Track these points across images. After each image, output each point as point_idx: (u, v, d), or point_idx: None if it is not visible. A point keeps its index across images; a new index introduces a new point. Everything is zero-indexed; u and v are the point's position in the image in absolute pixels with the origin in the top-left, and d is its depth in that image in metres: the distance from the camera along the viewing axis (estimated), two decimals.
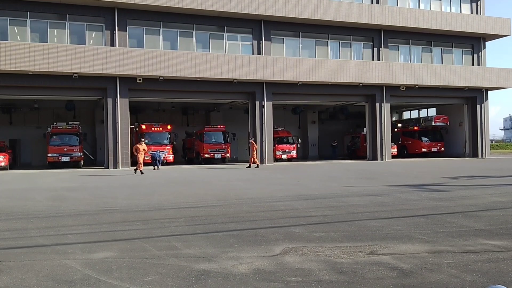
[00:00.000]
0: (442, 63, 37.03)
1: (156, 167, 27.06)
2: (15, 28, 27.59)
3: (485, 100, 38.01)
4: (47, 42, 27.49)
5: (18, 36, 27.61)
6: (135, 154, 23.83)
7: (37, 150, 34.92)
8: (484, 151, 37.79)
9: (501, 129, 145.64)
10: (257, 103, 31.69)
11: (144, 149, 24.23)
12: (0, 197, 13.43)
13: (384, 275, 4.99)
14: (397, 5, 35.59)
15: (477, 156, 37.44)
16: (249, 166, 27.69)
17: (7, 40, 26.66)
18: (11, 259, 5.90)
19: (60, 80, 27.31)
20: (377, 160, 34.72)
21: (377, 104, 34.80)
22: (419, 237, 6.87)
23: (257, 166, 27.72)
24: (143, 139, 25.97)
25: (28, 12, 27.43)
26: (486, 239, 6.68)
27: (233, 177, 20.43)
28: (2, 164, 28.19)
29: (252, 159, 27.90)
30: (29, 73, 26.24)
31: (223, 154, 33.46)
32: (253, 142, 28.72)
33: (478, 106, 37.88)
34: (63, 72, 26.65)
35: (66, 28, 28.23)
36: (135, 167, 23.74)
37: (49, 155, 29.95)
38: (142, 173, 22.68)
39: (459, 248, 6.19)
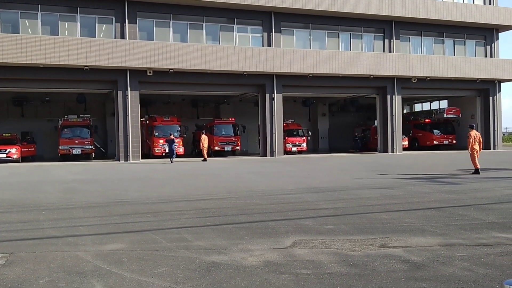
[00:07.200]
0: (454, 55, 36.58)
1: (171, 159, 26.76)
2: (26, 21, 27.72)
3: (498, 92, 37.55)
4: (58, 35, 27.58)
5: (29, 29, 27.76)
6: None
7: (49, 142, 35.18)
8: (496, 144, 37.42)
9: None
10: (267, 95, 31.59)
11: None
12: (13, 189, 13.57)
13: (396, 268, 4.96)
14: None
15: (490, 149, 37.04)
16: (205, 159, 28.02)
17: (18, 33, 26.82)
18: (23, 250, 5.96)
19: (71, 73, 27.43)
20: (387, 152, 34.49)
21: (388, 96, 34.53)
22: (431, 230, 6.81)
23: (204, 160, 27.86)
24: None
25: (39, 5, 27.52)
26: (499, 232, 6.61)
27: (243, 169, 20.46)
28: (14, 156, 28.47)
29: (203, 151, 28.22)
30: (40, 66, 26.36)
31: (233, 146, 33.47)
32: (200, 134, 29.28)
33: (491, 98, 37.42)
34: (74, 65, 26.75)
35: (77, 21, 28.31)
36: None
37: (60, 147, 30.17)
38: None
39: (472, 241, 6.14)
